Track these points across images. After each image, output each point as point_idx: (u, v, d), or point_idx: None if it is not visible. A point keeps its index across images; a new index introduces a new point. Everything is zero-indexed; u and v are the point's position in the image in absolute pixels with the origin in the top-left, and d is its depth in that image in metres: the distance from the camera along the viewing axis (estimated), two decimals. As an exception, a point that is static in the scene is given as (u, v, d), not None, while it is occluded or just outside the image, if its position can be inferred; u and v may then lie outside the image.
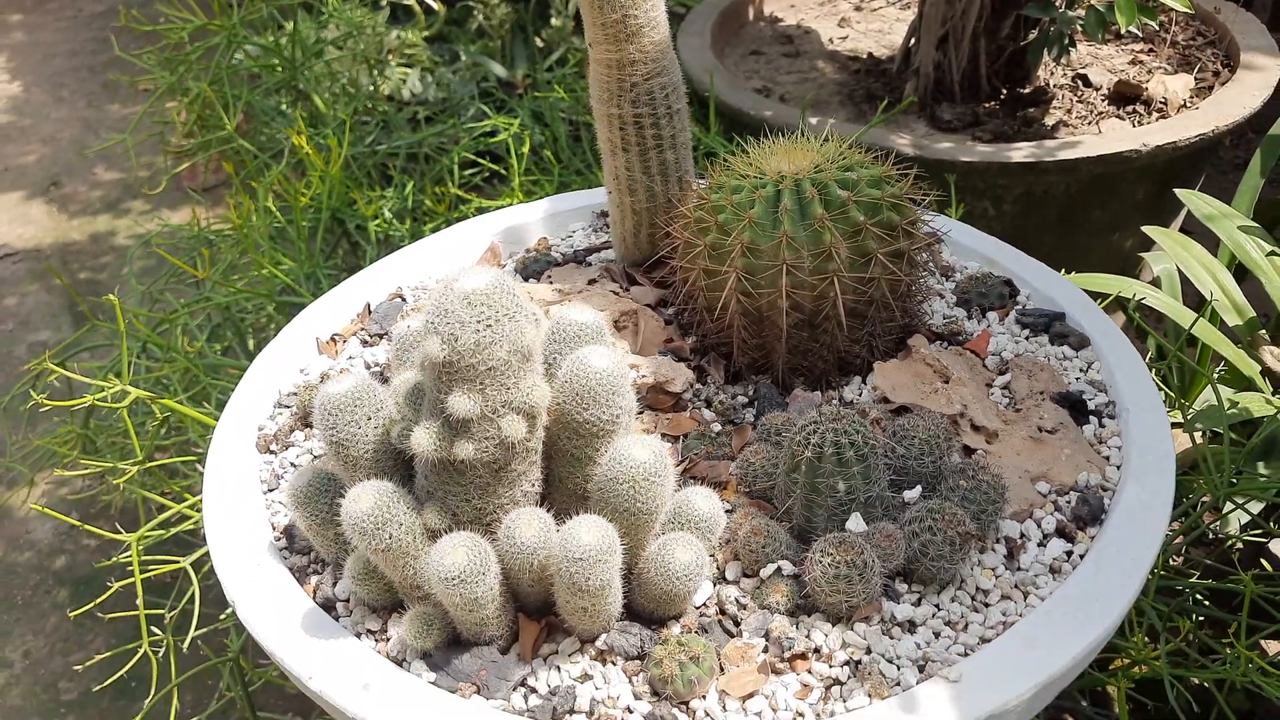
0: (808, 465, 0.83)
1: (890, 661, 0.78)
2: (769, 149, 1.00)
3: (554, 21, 2.99)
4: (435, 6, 2.91)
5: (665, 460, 0.77)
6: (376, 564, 0.80)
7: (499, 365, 0.73)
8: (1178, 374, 1.74)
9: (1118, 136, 1.99)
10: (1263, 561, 1.67)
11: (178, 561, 1.38)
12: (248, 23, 2.34)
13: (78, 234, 3.15)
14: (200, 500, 1.44)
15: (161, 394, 1.54)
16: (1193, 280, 1.71)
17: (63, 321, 2.79)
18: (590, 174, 2.13)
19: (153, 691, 1.34)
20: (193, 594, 1.38)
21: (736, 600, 0.83)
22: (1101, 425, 0.97)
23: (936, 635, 0.80)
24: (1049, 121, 2.16)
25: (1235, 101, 2.06)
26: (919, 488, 0.87)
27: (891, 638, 0.80)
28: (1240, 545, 1.76)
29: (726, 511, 0.88)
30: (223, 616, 1.58)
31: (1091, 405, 0.99)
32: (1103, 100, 2.22)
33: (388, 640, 0.83)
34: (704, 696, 0.77)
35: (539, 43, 2.97)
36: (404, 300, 1.19)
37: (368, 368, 1.09)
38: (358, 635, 0.83)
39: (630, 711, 0.76)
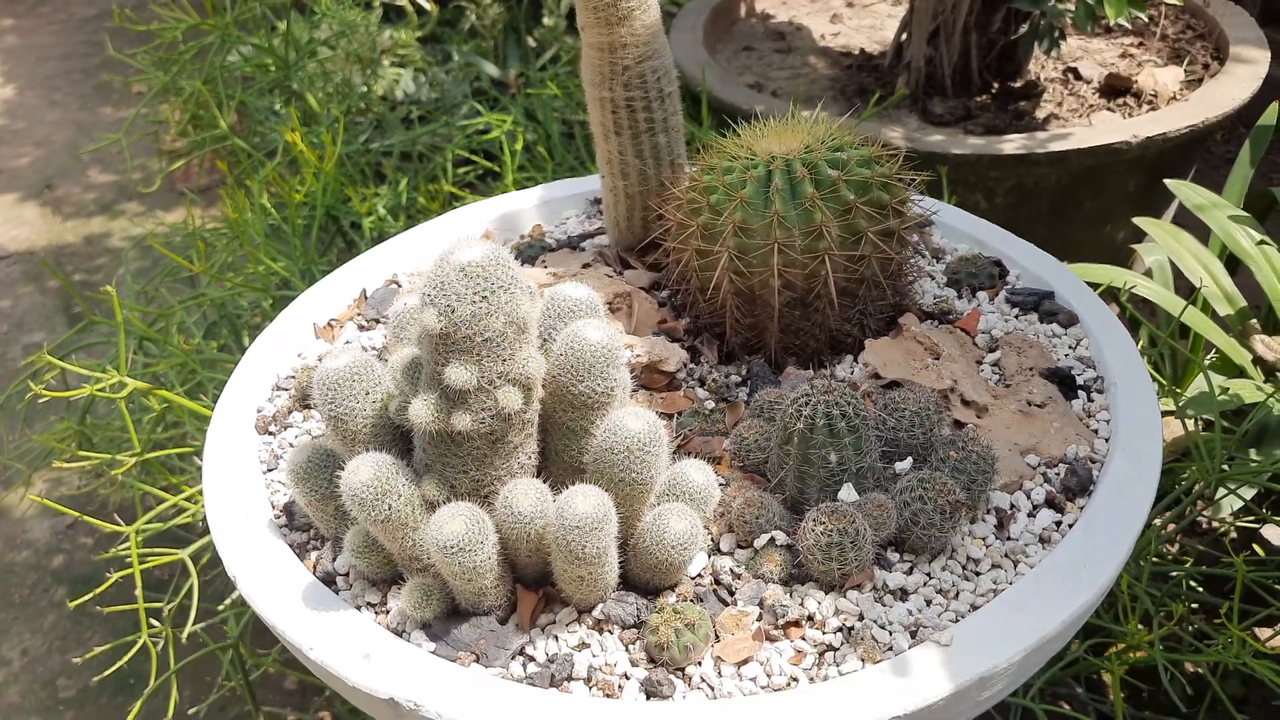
0: (800, 437, 0.84)
1: (882, 627, 0.79)
2: (760, 131, 1.02)
3: (546, 21, 3.00)
4: (427, 7, 2.92)
5: (659, 431, 0.78)
6: (376, 536, 0.81)
7: (495, 337, 0.75)
8: (1170, 363, 1.76)
9: (1108, 128, 2.01)
10: (1255, 547, 1.68)
11: (176, 553, 1.38)
12: (241, 22, 2.35)
13: (71, 236, 3.16)
14: (197, 492, 1.45)
15: (158, 388, 1.55)
16: (1184, 270, 1.72)
17: (57, 323, 2.80)
18: (583, 170, 2.14)
19: (153, 678, 1.34)
20: (191, 587, 1.39)
21: (731, 570, 0.84)
22: (1090, 400, 0.98)
23: (928, 603, 0.81)
24: (1040, 114, 2.18)
25: (1225, 93, 2.08)
26: (910, 459, 0.88)
27: (883, 605, 0.81)
28: (1234, 534, 1.78)
29: (721, 485, 0.89)
30: (221, 608, 1.59)
31: (1080, 380, 1.00)
32: (1093, 93, 2.24)
33: (387, 612, 0.84)
34: (699, 663, 0.78)
35: (531, 42, 2.99)
36: (399, 286, 1.20)
37: (365, 351, 1.10)
38: (358, 608, 0.84)
39: (627, 678, 0.78)
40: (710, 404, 1.00)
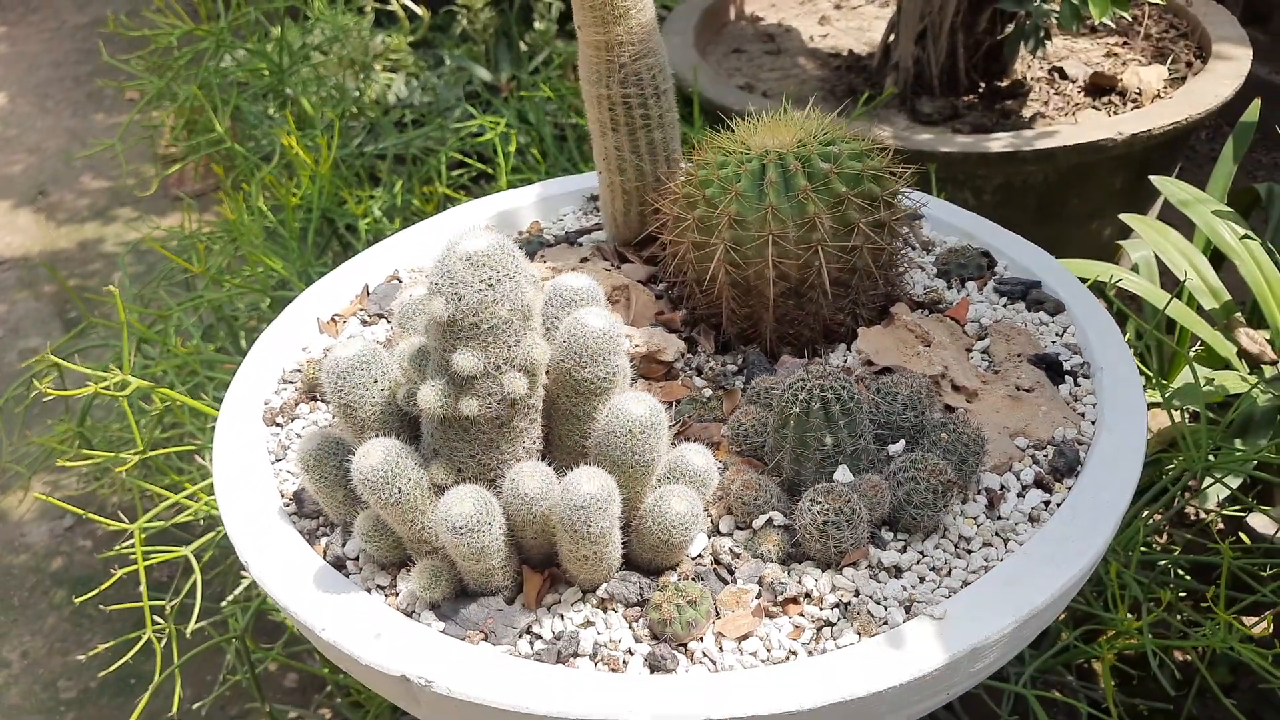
0: (796, 421, 0.86)
1: (878, 603, 0.82)
2: (754, 126, 1.04)
3: (537, 25, 3.03)
4: (419, 11, 2.94)
5: (660, 414, 0.81)
6: (385, 520, 0.83)
7: (501, 324, 0.77)
8: (1156, 355, 1.79)
9: (1094, 126, 2.04)
10: (1241, 535, 1.71)
11: (179, 550, 1.40)
12: (235, 28, 2.37)
13: (65, 242, 3.17)
14: (199, 490, 1.47)
15: (160, 387, 1.56)
16: (1169, 265, 1.75)
17: (53, 328, 2.81)
18: (576, 172, 2.16)
19: (157, 673, 1.36)
20: (194, 583, 1.40)
21: (730, 550, 0.87)
22: (1077, 384, 1.01)
23: (921, 579, 0.84)
24: (1026, 113, 2.21)
25: (1208, 90, 2.11)
26: (902, 442, 0.90)
27: (878, 581, 0.84)
28: (1220, 524, 1.81)
29: (719, 469, 0.91)
30: (224, 604, 1.61)
31: (1067, 366, 1.03)
32: (1079, 92, 2.27)
33: (397, 594, 0.86)
34: (701, 638, 0.80)
35: (523, 47, 3.01)
36: (401, 282, 1.22)
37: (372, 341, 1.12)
38: (368, 590, 0.86)
39: (631, 654, 0.80)
40: (708, 392, 1.02)
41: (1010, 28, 2.21)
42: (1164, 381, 1.67)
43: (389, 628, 0.82)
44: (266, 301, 1.95)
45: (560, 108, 2.41)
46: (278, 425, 1.03)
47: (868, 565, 0.85)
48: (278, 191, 2.00)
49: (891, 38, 2.32)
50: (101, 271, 2.99)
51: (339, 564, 0.89)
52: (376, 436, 0.82)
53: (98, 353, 2.32)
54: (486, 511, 0.78)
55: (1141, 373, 1.36)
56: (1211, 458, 1.43)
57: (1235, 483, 1.52)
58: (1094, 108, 2.20)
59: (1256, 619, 1.53)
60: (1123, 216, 1.83)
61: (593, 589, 0.84)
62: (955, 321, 1.07)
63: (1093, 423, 0.96)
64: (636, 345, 1.03)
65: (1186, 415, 1.62)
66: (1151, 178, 1.85)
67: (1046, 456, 0.93)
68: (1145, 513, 1.40)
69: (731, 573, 0.85)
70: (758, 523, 0.87)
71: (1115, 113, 2.16)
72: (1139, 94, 2.20)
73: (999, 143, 2.00)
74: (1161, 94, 2.19)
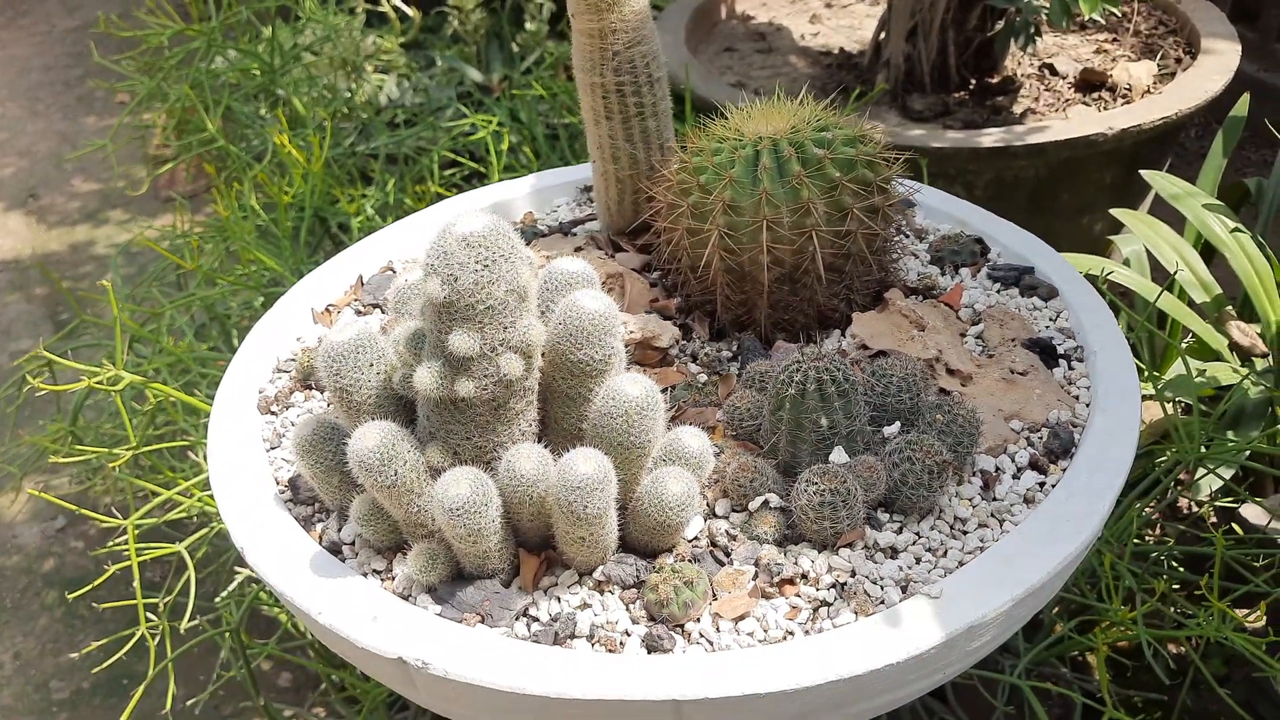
0: (792, 403, 0.86)
1: (874, 583, 0.82)
2: (747, 113, 1.05)
3: (529, 26, 3.03)
4: (410, 13, 2.94)
5: (656, 396, 0.81)
6: (381, 503, 0.83)
7: (497, 305, 0.77)
8: (1148, 348, 1.79)
9: (1084, 121, 2.05)
10: (1234, 526, 1.71)
11: (172, 546, 1.40)
12: (226, 27, 2.37)
13: (56, 244, 3.16)
14: (193, 486, 1.46)
15: (153, 382, 1.56)
16: (1160, 259, 1.76)
17: (44, 330, 2.80)
18: (569, 169, 2.16)
19: (151, 667, 1.35)
20: (187, 580, 1.40)
21: (726, 532, 0.87)
22: (1071, 368, 1.02)
23: (917, 560, 0.84)
24: (1017, 110, 2.22)
25: (1198, 86, 2.12)
26: (897, 423, 0.91)
27: (875, 562, 0.84)
28: (1213, 517, 1.81)
29: (715, 453, 0.92)
30: (218, 600, 1.60)
31: (1061, 350, 1.03)
32: (1069, 88, 2.28)
33: (393, 578, 0.86)
34: (698, 619, 0.80)
35: (514, 47, 3.01)
36: (395, 273, 1.22)
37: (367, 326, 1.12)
38: (364, 575, 0.86)
39: (628, 635, 0.80)
40: (703, 378, 1.02)
41: (1000, 24, 2.22)
42: (1155, 373, 1.68)
43: (386, 611, 0.81)
44: (259, 300, 1.95)
45: (553, 107, 2.41)
46: (272, 414, 1.03)
47: (864, 546, 0.85)
48: (270, 190, 2.00)
49: (882, 35, 2.32)
50: (93, 274, 2.99)
51: (335, 549, 0.89)
52: (373, 420, 0.82)
53: (90, 353, 2.31)
54: (483, 493, 0.78)
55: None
56: (1205, 448, 1.44)
57: (1228, 474, 1.52)
58: (1084, 103, 2.21)
59: (1250, 610, 1.53)
60: (1113, 211, 1.84)
61: (589, 571, 0.84)
62: (949, 307, 1.07)
63: (1087, 405, 0.97)
64: (631, 332, 1.03)
65: (1178, 408, 1.63)
66: (1142, 172, 1.85)
67: (1041, 439, 0.94)
68: (1138, 505, 1.41)
69: (728, 554, 0.85)
70: (754, 505, 0.87)
71: (1105, 108, 2.17)
72: (1129, 90, 2.21)
73: (990, 138, 2.00)
74: (1151, 89, 2.21)
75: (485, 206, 1.32)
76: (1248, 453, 1.51)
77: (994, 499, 0.89)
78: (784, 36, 2.60)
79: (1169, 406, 1.52)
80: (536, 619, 0.82)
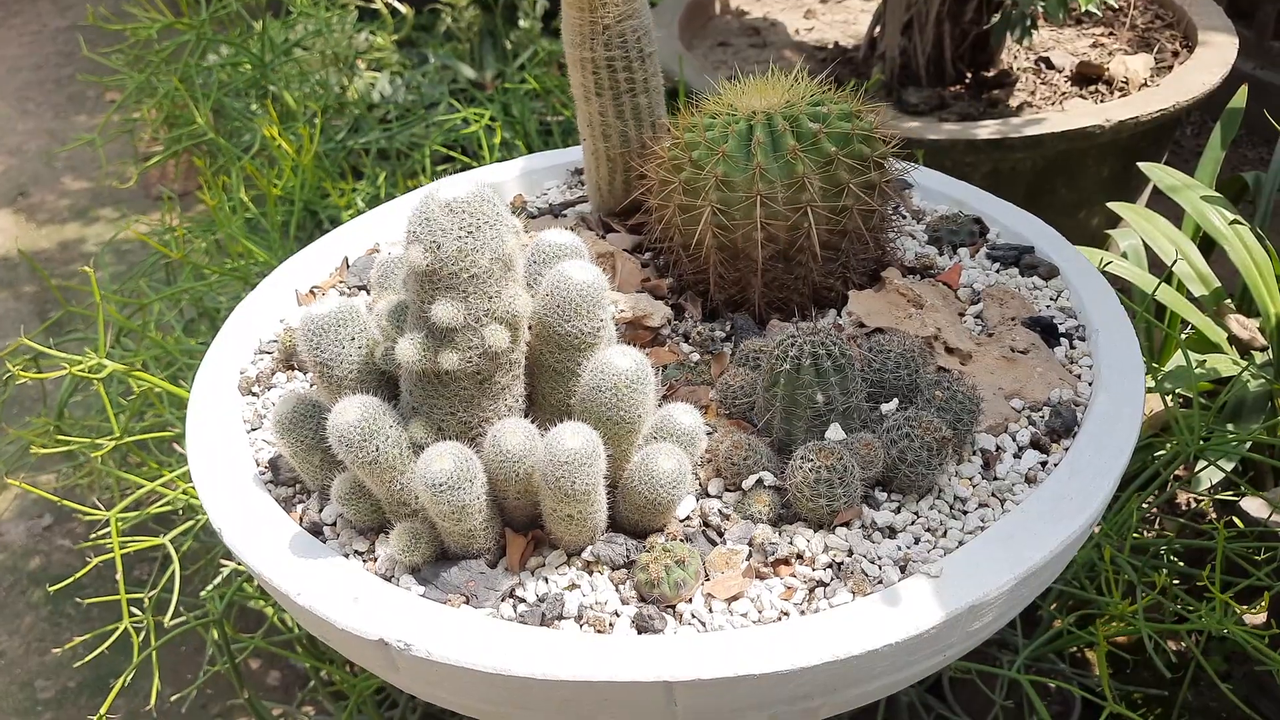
0: (786, 378, 0.84)
1: (872, 562, 0.79)
2: (741, 88, 1.02)
3: (522, 23, 3.01)
4: (402, 9, 2.92)
5: (646, 368, 0.78)
6: (363, 480, 0.80)
7: (481, 273, 0.75)
8: (1147, 341, 1.77)
9: (1081, 113, 2.03)
10: (1234, 520, 1.69)
11: (157, 539, 1.37)
12: (217, 20, 2.35)
13: (46, 242, 3.14)
14: (177, 477, 1.44)
15: (136, 370, 1.53)
16: (1158, 252, 1.74)
17: (32, 327, 2.78)
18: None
19: (135, 656, 1.33)
20: (172, 573, 1.38)
21: (720, 512, 0.84)
22: (1072, 347, 0.99)
23: (916, 540, 0.81)
24: (1013, 103, 2.20)
25: (1195, 79, 2.11)
26: (895, 400, 0.88)
27: (872, 542, 0.81)
28: (1213, 514, 1.79)
29: (708, 432, 0.89)
30: (204, 593, 1.57)
31: (1062, 329, 1.01)
32: (1065, 81, 2.27)
33: (375, 559, 0.83)
34: (690, 600, 0.78)
35: (508, 45, 3.00)
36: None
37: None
38: (345, 555, 0.84)
39: (618, 615, 0.77)
40: (695, 357, 1.00)
41: (996, 17, 2.20)
42: (1155, 364, 1.66)
43: (367, 592, 0.79)
44: (248, 292, 1.92)
45: (546, 105, 2.39)
46: (253, 395, 1.01)
47: (861, 526, 0.82)
48: (259, 182, 1.97)
49: (877, 29, 2.31)
50: (82, 271, 2.97)
51: (316, 530, 0.86)
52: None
53: (77, 347, 2.29)
54: (467, 469, 0.75)
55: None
56: (1205, 439, 1.42)
57: (1229, 466, 1.50)
58: (1081, 96, 2.20)
59: (1249, 606, 1.51)
60: (1110, 204, 1.82)
61: (578, 551, 0.82)
62: (947, 286, 1.05)
63: (1089, 384, 0.94)
64: (622, 311, 1.00)
65: (1177, 401, 1.61)
66: (1140, 164, 1.84)
67: (1043, 417, 0.91)
68: (1138, 497, 1.39)
69: (721, 534, 0.83)
70: (747, 484, 0.84)
71: (1102, 101, 2.16)
72: (1125, 83, 2.19)
73: (986, 130, 1.98)
74: (1148, 83, 2.19)
75: (474, 190, 1.29)
76: (1248, 446, 1.49)
77: (995, 478, 0.86)
78: (778, 31, 2.58)
79: (1168, 399, 1.50)
80: (523, 600, 0.79)
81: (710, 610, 0.77)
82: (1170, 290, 1.66)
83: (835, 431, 0.84)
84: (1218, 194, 1.81)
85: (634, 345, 0.97)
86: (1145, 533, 1.72)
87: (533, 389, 0.84)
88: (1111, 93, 2.19)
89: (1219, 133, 1.94)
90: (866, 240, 1.00)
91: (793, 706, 0.75)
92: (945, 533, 0.82)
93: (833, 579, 0.79)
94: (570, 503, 0.76)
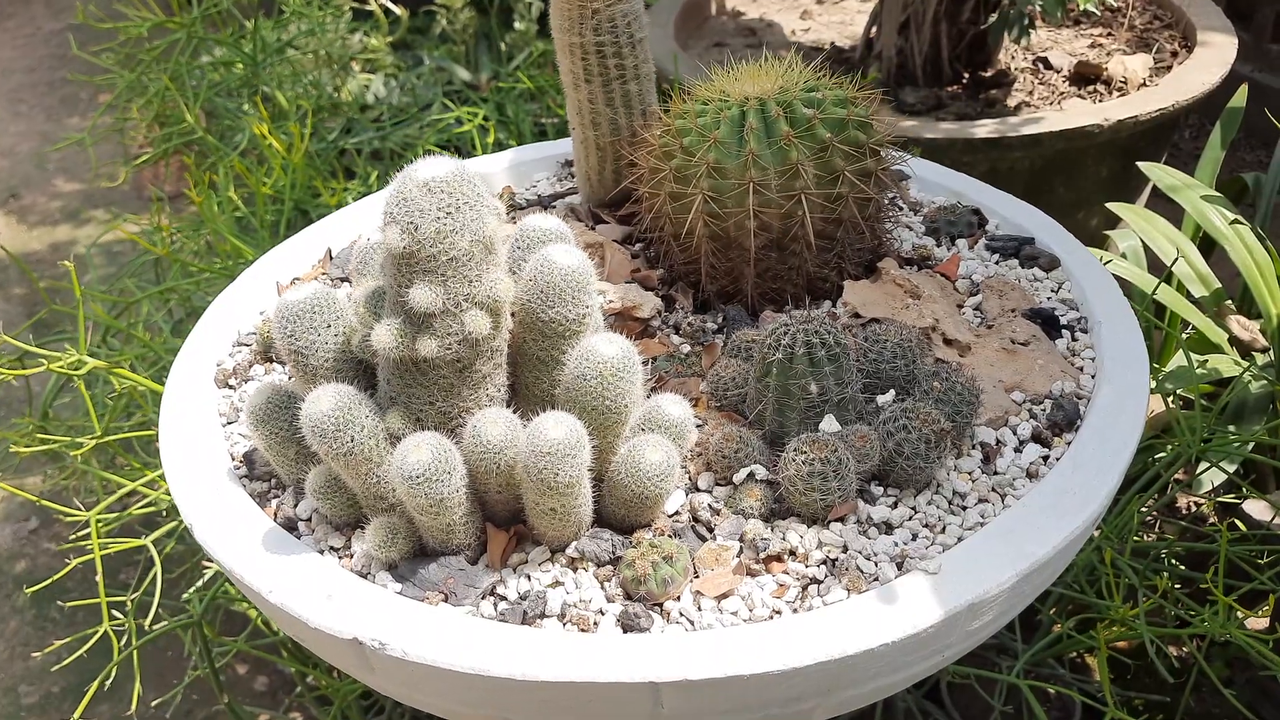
0: (779, 367, 0.81)
1: (868, 558, 0.76)
2: (733, 75, 1.00)
3: (518, 25, 3.00)
4: (397, 11, 2.90)
5: (633, 356, 0.75)
6: (338, 472, 0.77)
7: (461, 256, 0.72)
8: (1147, 341, 1.75)
9: (1080, 112, 2.01)
10: (1236, 522, 1.67)
11: (138, 540, 1.35)
12: (208, 19, 2.32)
13: (37, 244, 3.12)
14: (159, 476, 1.41)
15: (117, 367, 1.50)
16: (1157, 252, 1.71)
17: (20, 329, 2.75)
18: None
19: (114, 656, 1.30)
20: (154, 576, 1.35)
21: (710, 507, 0.81)
22: (1074, 339, 0.96)
23: (914, 536, 0.78)
24: (1011, 103, 2.18)
25: (1194, 78, 2.09)
26: (892, 392, 0.85)
27: (868, 537, 0.78)
28: (1213, 518, 1.77)
29: (698, 425, 0.86)
30: (185, 595, 1.54)
31: (1064, 321, 0.98)
32: (1063, 81, 2.24)
33: (351, 555, 0.80)
34: (678, 597, 0.75)
35: (503, 47, 2.98)
36: (366, 248, 1.17)
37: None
38: (320, 552, 0.80)
39: (603, 614, 0.74)
40: (685, 348, 0.97)
41: (994, 17, 2.18)
42: (1156, 365, 1.63)
43: (341, 589, 0.76)
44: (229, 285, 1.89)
45: (541, 105, 2.37)
46: (230, 387, 0.98)
47: (856, 521, 0.79)
48: (249, 180, 1.95)
49: (874, 29, 2.29)
50: (72, 273, 2.94)
51: (290, 525, 0.83)
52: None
53: (62, 347, 2.26)
54: (445, 460, 0.72)
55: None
56: (1207, 439, 1.39)
57: (1231, 467, 1.48)
58: (1079, 96, 2.17)
59: (1251, 611, 1.49)
60: (1109, 205, 1.80)
61: (562, 548, 0.79)
62: (945, 278, 1.02)
63: (1092, 376, 0.92)
64: (611, 301, 0.98)
65: (1178, 403, 1.59)
66: (1139, 164, 1.81)
67: (1044, 410, 0.88)
68: (1139, 499, 1.36)
69: (711, 530, 0.80)
70: (738, 477, 0.81)
71: (1101, 101, 2.14)
72: (1124, 83, 2.17)
73: (984, 128, 1.96)
74: (1147, 83, 2.17)
75: (462, 183, 1.26)
76: (1250, 448, 1.47)
77: (995, 473, 0.83)
78: (774, 32, 2.56)
79: (1169, 400, 1.48)
80: (504, 598, 0.76)
81: (699, 608, 0.74)
82: (1170, 290, 1.64)
83: (829, 423, 0.81)
84: (1218, 194, 1.79)
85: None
86: (1145, 537, 1.70)
87: (516, 379, 0.81)
88: (1110, 93, 2.17)
89: (1219, 132, 1.92)
90: (862, 229, 0.97)
91: (785, 709, 0.72)
92: (944, 529, 0.79)
93: (827, 576, 0.76)
94: (553, 496, 0.73)
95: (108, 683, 1.40)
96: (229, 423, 0.94)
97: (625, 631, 0.73)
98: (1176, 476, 1.59)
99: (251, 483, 0.88)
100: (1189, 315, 1.63)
